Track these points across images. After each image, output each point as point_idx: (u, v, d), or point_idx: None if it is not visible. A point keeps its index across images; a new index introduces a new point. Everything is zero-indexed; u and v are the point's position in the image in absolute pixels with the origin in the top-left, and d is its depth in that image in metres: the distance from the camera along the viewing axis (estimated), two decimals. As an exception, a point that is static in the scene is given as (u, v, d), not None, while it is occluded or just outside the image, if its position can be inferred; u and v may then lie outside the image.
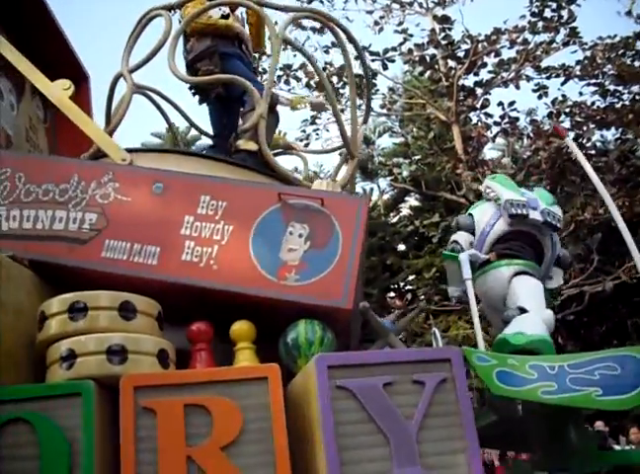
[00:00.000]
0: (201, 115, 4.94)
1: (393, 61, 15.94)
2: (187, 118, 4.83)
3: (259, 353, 3.04)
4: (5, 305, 2.83)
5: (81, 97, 4.54)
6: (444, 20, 15.45)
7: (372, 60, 15.53)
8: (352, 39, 4.30)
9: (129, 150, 3.51)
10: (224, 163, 3.51)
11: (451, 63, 15.90)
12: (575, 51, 14.89)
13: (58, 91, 3.55)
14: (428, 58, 15.94)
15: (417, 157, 17.12)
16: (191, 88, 4.23)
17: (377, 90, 16.32)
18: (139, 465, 2.47)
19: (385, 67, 15.74)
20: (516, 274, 4.20)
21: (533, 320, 3.94)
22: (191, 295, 3.09)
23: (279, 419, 2.59)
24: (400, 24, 15.99)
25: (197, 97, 4.34)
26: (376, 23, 16.12)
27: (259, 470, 2.52)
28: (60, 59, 4.54)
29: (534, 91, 15.32)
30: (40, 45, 4.32)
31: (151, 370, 2.76)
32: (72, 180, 3.28)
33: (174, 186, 3.25)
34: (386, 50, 15.52)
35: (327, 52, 15.95)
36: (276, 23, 4.43)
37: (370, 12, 16.12)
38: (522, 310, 4.02)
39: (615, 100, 14.52)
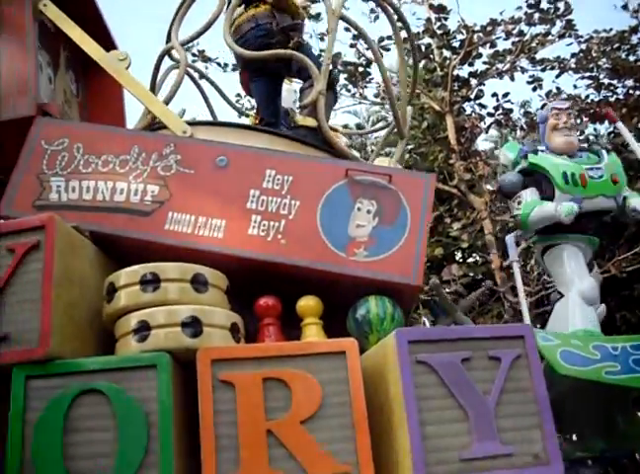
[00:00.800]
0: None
1: (388, 50, 15.81)
2: (224, 97, 4.77)
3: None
4: (71, 276, 2.77)
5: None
6: (440, 9, 15.39)
7: (367, 48, 15.47)
8: (403, 21, 4.28)
9: (188, 123, 3.44)
10: (284, 138, 3.46)
11: (446, 53, 15.87)
12: (570, 44, 14.98)
13: (115, 62, 3.47)
14: (423, 48, 15.90)
15: (410, 146, 17.09)
16: (249, 61, 4.11)
17: (372, 78, 16.29)
18: (219, 438, 2.43)
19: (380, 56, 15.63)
20: (543, 250, 4.20)
21: (568, 310, 3.93)
22: (256, 270, 3.06)
23: (358, 393, 2.57)
24: (396, 12, 15.92)
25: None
26: (372, 10, 16.00)
27: (339, 444, 2.50)
28: (93, 29, 4.41)
29: (529, 83, 15.41)
30: (74, 14, 4.18)
31: (224, 344, 2.71)
32: (132, 151, 3.21)
33: (238, 159, 3.19)
34: (381, 39, 15.35)
35: (322, 39, 15.88)
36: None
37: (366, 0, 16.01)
38: (560, 294, 4.05)
39: (609, 94, 14.66)
